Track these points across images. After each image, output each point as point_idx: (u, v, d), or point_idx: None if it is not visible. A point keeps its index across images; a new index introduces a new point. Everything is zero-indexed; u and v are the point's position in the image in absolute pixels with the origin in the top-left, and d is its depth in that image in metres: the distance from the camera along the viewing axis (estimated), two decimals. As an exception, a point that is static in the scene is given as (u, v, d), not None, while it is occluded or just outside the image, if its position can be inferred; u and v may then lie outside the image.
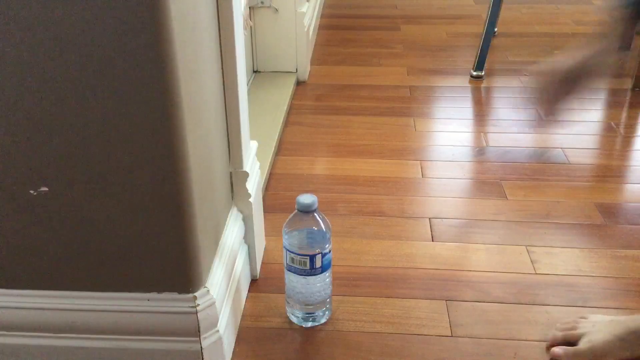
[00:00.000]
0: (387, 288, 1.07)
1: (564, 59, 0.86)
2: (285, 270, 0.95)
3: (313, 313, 0.97)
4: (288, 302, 0.99)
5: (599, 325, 0.91)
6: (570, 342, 0.91)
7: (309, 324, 0.97)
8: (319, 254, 0.92)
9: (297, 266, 0.93)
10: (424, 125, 1.67)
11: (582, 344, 0.89)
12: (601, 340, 0.88)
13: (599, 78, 0.86)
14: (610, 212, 1.27)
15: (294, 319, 0.98)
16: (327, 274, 0.95)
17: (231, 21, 0.87)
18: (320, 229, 0.93)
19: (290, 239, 0.93)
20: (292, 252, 0.92)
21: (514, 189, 1.36)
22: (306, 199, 0.91)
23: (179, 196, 0.75)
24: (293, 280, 0.95)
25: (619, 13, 0.83)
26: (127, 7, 0.64)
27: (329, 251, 0.94)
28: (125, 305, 0.82)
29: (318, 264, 0.92)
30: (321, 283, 0.94)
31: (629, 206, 1.30)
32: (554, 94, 0.88)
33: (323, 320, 0.98)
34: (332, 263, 0.97)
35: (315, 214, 0.93)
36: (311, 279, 0.93)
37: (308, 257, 0.91)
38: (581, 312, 1.00)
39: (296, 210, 0.92)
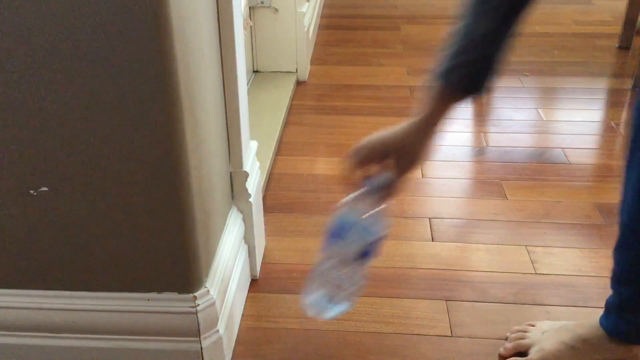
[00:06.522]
0: (387, 288, 1.07)
1: (377, 135, 0.77)
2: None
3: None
4: None
5: (548, 334, 0.91)
6: (521, 352, 0.91)
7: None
8: None
9: None
10: (424, 125, 1.66)
11: (533, 354, 0.89)
12: (551, 349, 0.88)
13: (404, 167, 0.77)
14: (610, 212, 1.27)
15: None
16: None
17: (231, 21, 0.87)
18: None
19: None
20: None
21: (514, 189, 1.36)
22: None
23: (179, 196, 0.75)
24: None
25: (433, 89, 0.72)
26: (127, 8, 0.64)
27: None
28: (125, 305, 0.82)
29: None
30: None
31: (629, 206, 1.30)
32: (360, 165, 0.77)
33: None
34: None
35: None
36: None
37: None
38: (581, 312, 1.00)
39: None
